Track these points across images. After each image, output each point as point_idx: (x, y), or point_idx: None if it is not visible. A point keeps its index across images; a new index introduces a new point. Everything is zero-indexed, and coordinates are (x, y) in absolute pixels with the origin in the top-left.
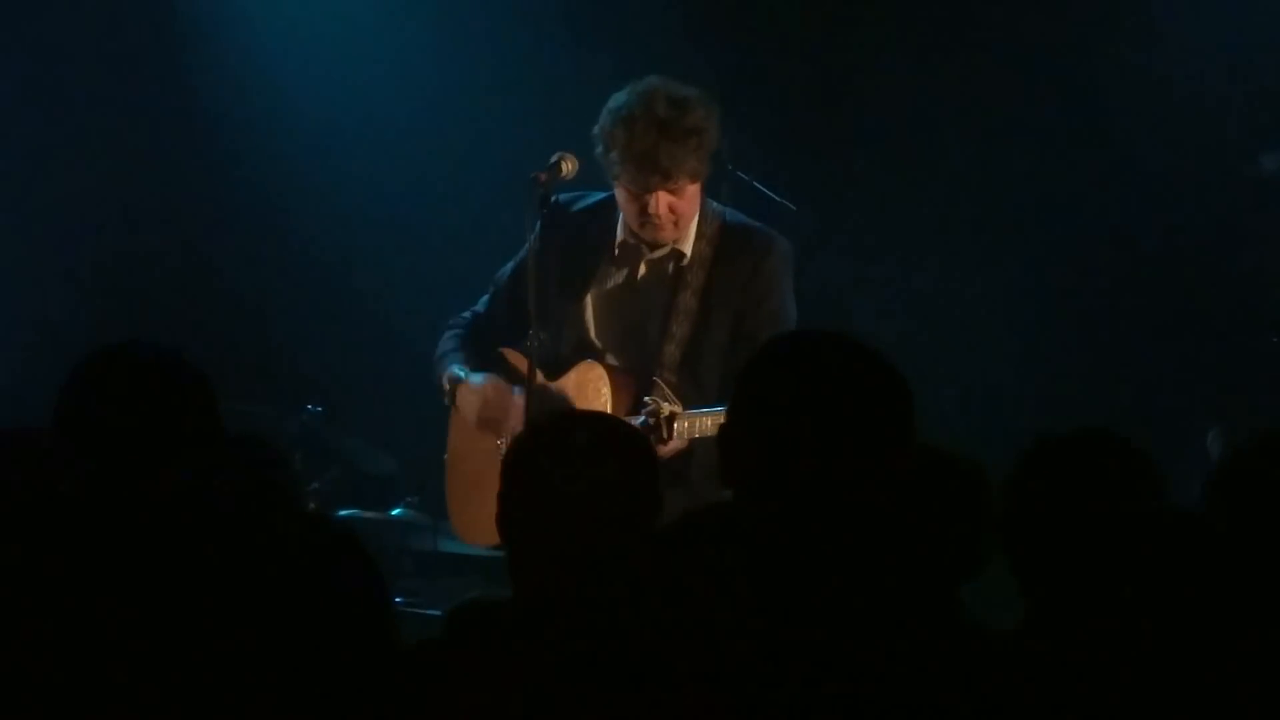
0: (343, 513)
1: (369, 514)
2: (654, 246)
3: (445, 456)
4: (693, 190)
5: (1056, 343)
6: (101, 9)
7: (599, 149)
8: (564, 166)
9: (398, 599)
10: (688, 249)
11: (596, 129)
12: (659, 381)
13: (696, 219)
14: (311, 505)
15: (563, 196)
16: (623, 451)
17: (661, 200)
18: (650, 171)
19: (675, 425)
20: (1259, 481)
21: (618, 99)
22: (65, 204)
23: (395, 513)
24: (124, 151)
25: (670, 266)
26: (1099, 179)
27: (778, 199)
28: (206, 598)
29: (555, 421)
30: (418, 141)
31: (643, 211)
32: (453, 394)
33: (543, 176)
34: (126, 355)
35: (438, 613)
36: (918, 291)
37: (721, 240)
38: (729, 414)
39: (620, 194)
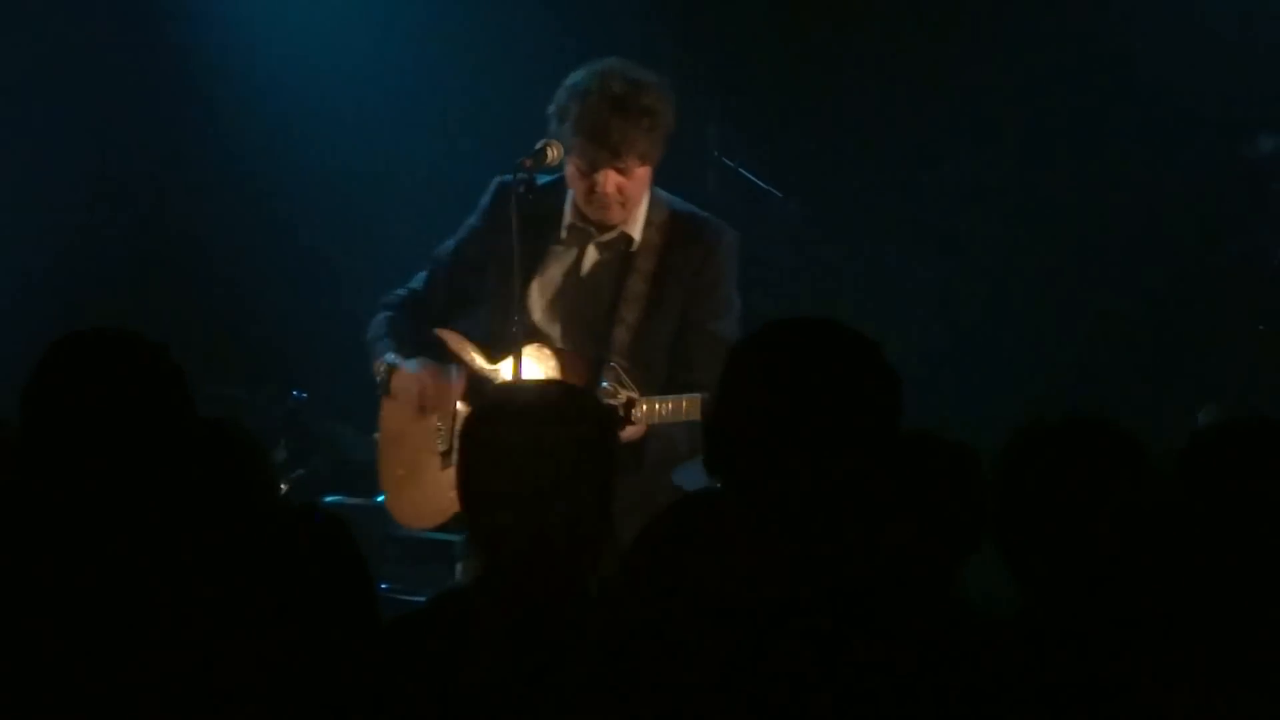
0: (327, 499)
1: (353, 500)
2: (602, 229)
3: (376, 436)
4: (642, 173)
5: (1047, 328)
6: None
7: (553, 124)
8: (549, 153)
9: (382, 585)
10: (636, 234)
11: (552, 105)
12: (615, 366)
13: (645, 205)
14: (284, 489)
15: (514, 177)
16: (577, 412)
17: (610, 179)
18: (600, 145)
19: (634, 411)
20: (1220, 468)
21: (575, 76)
22: (42, 185)
23: (380, 499)
24: (104, 133)
25: (619, 251)
26: (1089, 163)
27: (765, 186)
28: (185, 587)
29: (509, 388)
30: (403, 128)
31: (590, 190)
32: (386, 381)
33: (528, 163)
34: (95, 341)
35: (421, 599)
36: (906, 277)
37: (671, 228)
38: (716, 402)
39: (570, 170)
